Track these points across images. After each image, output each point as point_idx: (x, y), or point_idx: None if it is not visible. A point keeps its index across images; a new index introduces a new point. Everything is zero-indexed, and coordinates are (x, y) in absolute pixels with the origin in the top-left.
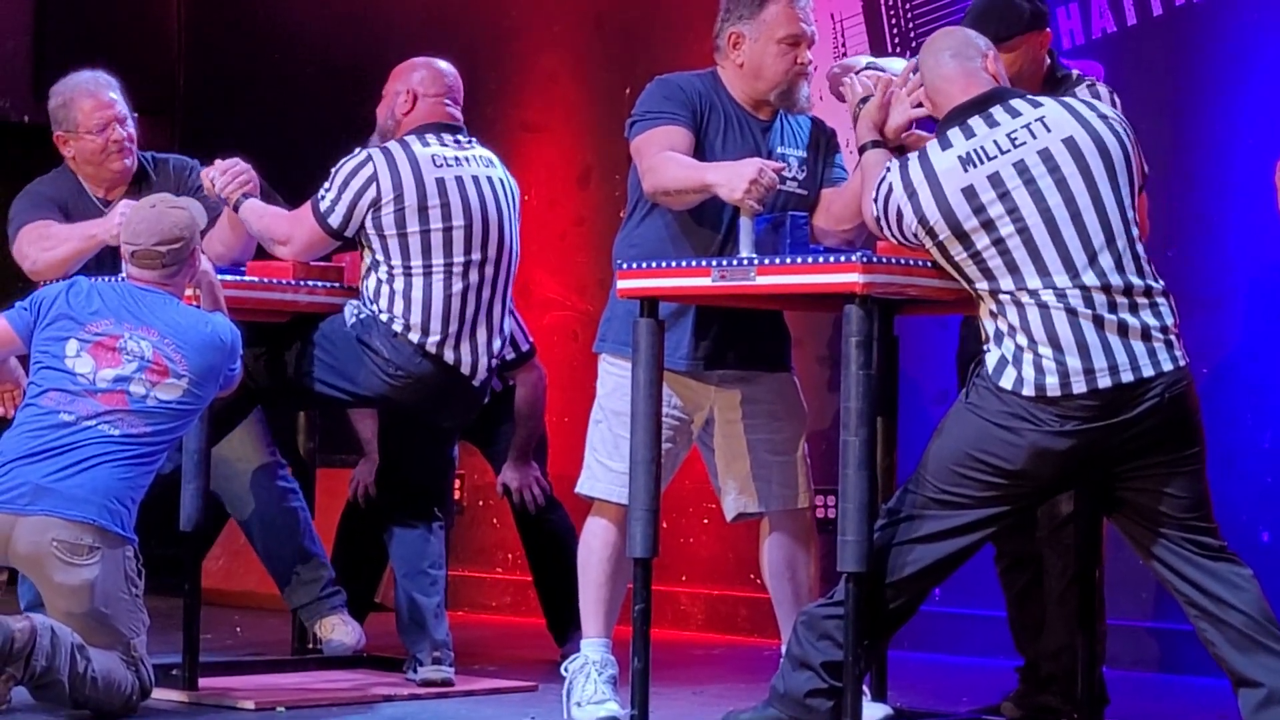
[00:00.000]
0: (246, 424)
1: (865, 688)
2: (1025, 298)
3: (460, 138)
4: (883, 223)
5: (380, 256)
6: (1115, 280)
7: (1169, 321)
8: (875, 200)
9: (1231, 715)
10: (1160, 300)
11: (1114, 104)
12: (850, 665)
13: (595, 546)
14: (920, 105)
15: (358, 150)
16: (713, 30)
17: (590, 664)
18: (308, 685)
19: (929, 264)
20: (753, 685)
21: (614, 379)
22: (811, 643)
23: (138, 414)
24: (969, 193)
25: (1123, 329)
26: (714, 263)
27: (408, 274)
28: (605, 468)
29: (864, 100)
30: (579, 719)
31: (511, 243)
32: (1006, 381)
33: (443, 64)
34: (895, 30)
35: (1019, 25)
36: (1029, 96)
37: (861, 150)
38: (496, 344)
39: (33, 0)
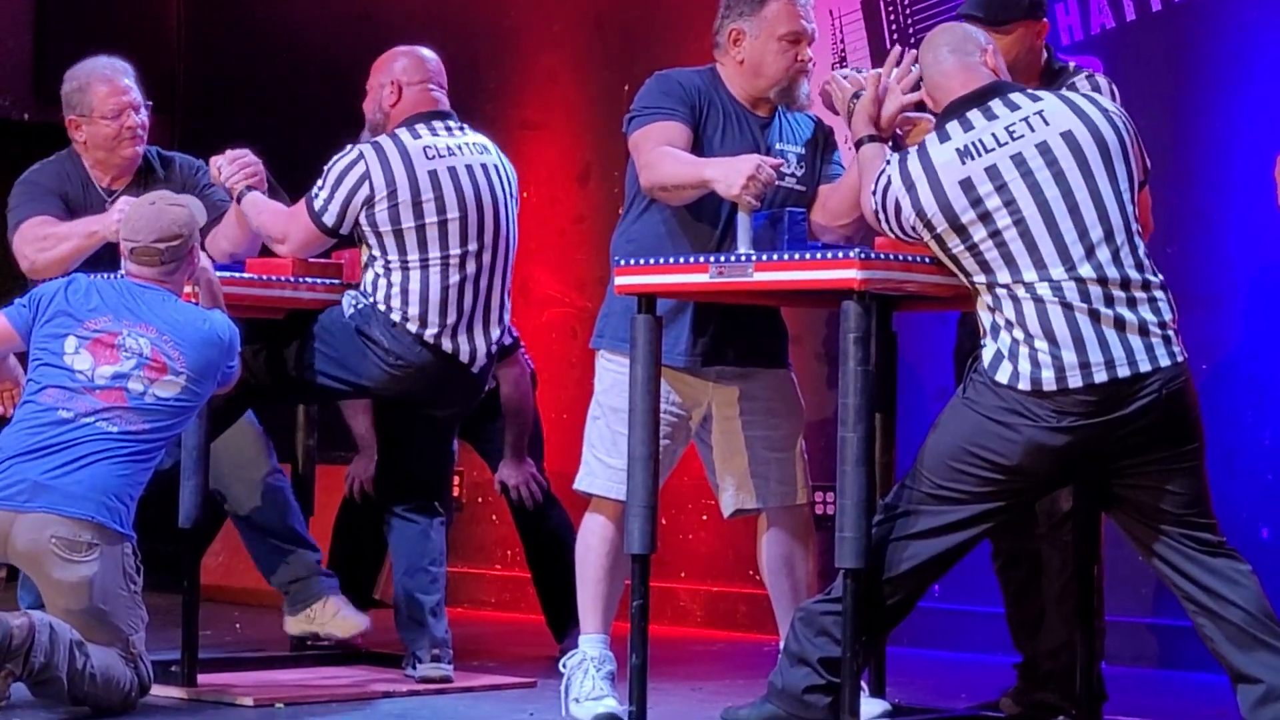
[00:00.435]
0: (248, 428)
1: (863, 684)
2: (1021, 291)
3: (451, 124)
4: (881, 216)
5: (377, 251)
6: (1112, 274)
7: (1167, 317)
8: (874, 194)
9: (1230, 711)
10: (1158, 295)
11: (1113, 95)
12: (848, 661)
13: (593, 543)
14: (914, 90)
15: (350, 147)
16: (712, 28)
17: (589, 660)
18: (307, 682)
19: (927, 260)
20: (751, 681)
21: (612, 375)
22: (809, 639)
23: (136, 411)
24: (966, 185)
25: (1119, 323)
26: (712, 259)
27: (405, 268)
28: (603, 464)
29: (856, 96)
30: (577, 715)
31: (508, 229)
32: (1003, 376)
33: (423, 50)
34: (894, 27)
35: (1017, 10)
36: (1028, 90)
37: (858, 145)
38: (495, 332)
39: None
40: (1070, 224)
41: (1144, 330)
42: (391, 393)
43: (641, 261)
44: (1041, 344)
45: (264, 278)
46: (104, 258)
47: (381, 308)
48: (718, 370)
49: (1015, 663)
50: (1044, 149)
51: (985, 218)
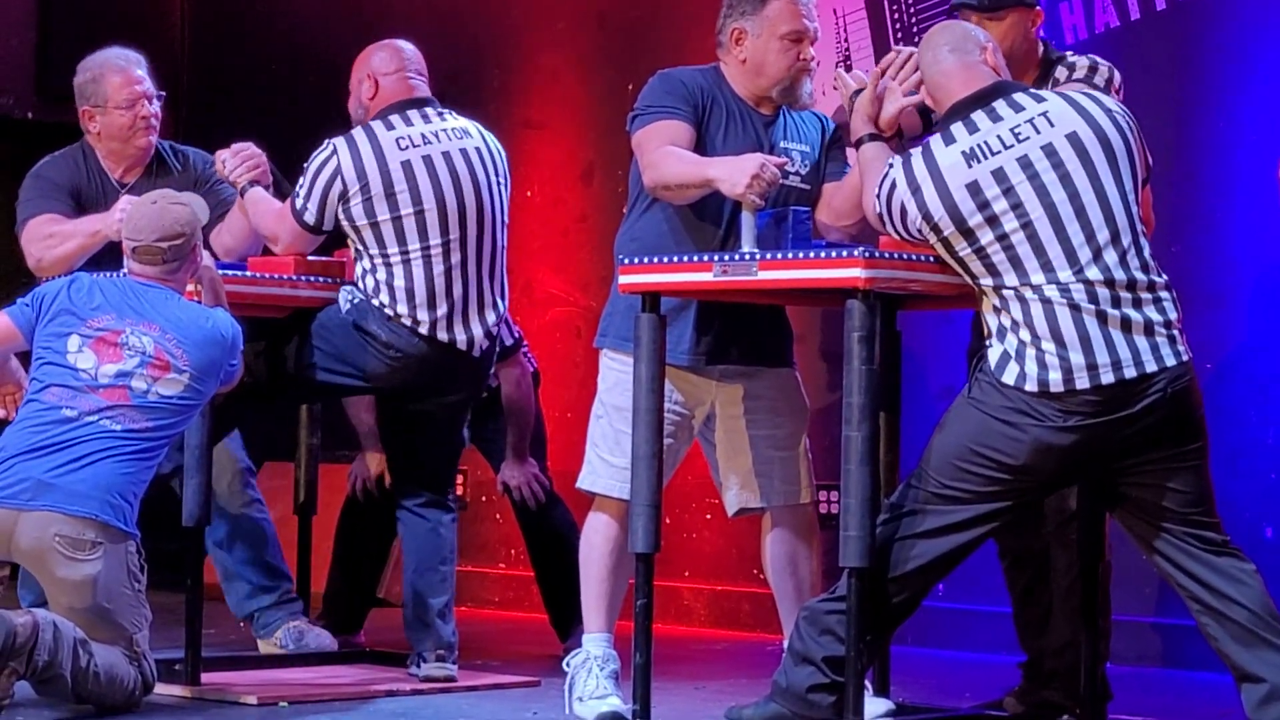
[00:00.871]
0: (228, 460)
1: (867, 683)
2: (1029, 293)
3: (429, 110)
4: (885, 218)
5: (360, 246)
6: (1119, 275)
7: (1172, 316)
8: (878, 196)
9: (1234, 711)
10: (1163, 295)
11: (1112, 79)
12: (852, 660)
13: (597, 542)
14: (913, 93)
15: (325, 142)
16: (714, 28)
17: (592, 659)
18: (310, 680)
19: (932, 259)
20: (755, 680)
21: (615, 374)
22: (813, 638)
23: (139, 409)
24: (973, 188)
25: (1126, 324)
26: (716, 258)
27: (387, 263)
28: (606, 463)
29: (856, 94)
30: (581, 714)
31: (494, 212)
32: (1009, 377)
33: (399, 41)
34: (898, 25)
35: None
36: (1031, 90)
37: (858, 144)
38: (492, 315)
39: None
40: (1077, 226)
41: (1149, 330)
42: (394, 385)
43: (645, 260)
44: (1049, 345)
45: (266, 276)
46: (106, 256)
47: (375, 302)
48: (721, 369)
49: (1020, 662)
50: (1050, 151)
51: (992, 221)
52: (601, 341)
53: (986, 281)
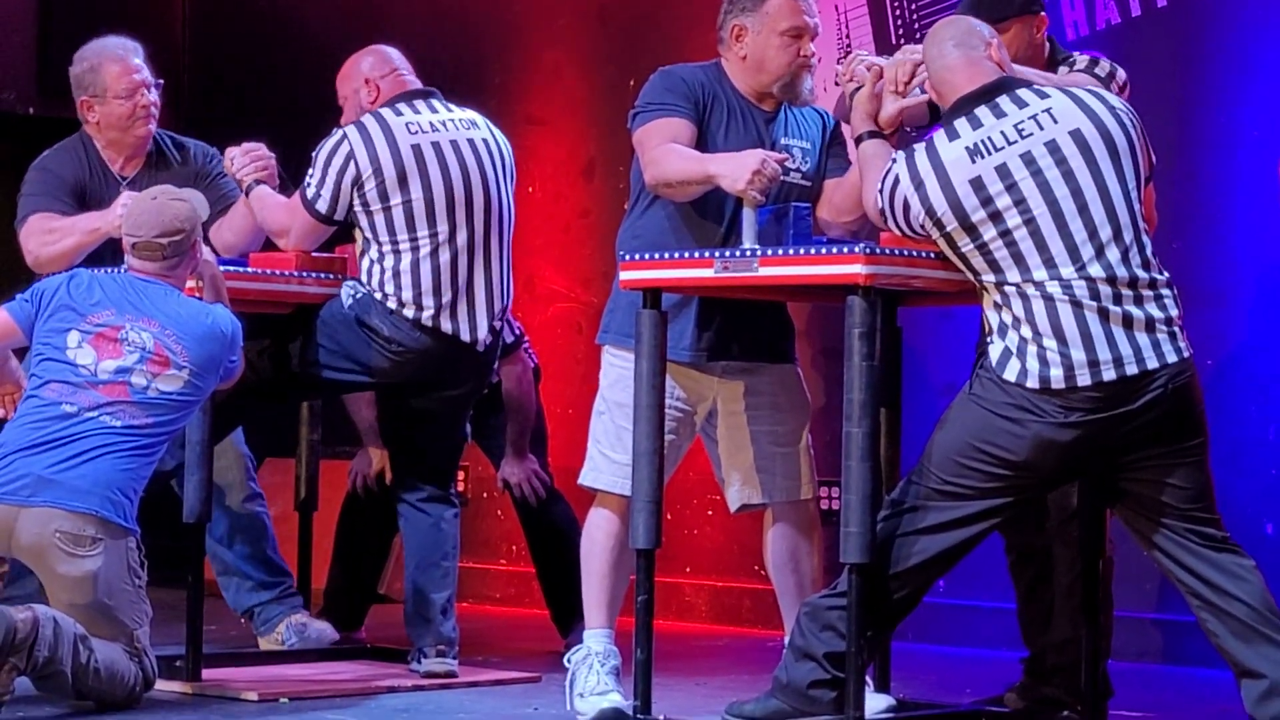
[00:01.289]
0: (232, 450)
1: (868, 679)
2: (1030, 289)
3: (435, 102)
4: (888, 214)
5: (370, 235)
6: (1121, 272)
7: (1173, 313)
8: (881, 192)
9: (1234, 707)
10: (1164, 292)
11: (1114, 74)
12: (853, 656)
13: (598, 538)
14: (910, 93)
15: (334, 130)
16: (715, 24)
17: (593, 655)
18: (310, 676)
19: (933, 255)
20: (756, 676)
21: (617, 370)
22: (814, 633)
23: (139, 405)
24: (977, 184)
25: (1127, 321)
26: (717, 254)
27: (396, 250)
28: (608, 459)
29: (856, 91)
30: (582, 710)
31: (500, 203)
32: (1010, 373)
33: (381, 46)
34: (899, 21)
35: (1010, 8)
36: (1035, 87)
37: (857, 141)
38: (498, 307)
39: None
40: (1080, 223)
41: (1151, 327)
42: (397, 379)
43: (646, 256)
44: (1050, 342)
45: (268, 272)
46: (107, 252)
47: (378, 295)
48: (723, 365)
49: (1022, 657)
50: (1053, 147)
51: (995, 217)
52: (603, 338)
53: (988, 278)
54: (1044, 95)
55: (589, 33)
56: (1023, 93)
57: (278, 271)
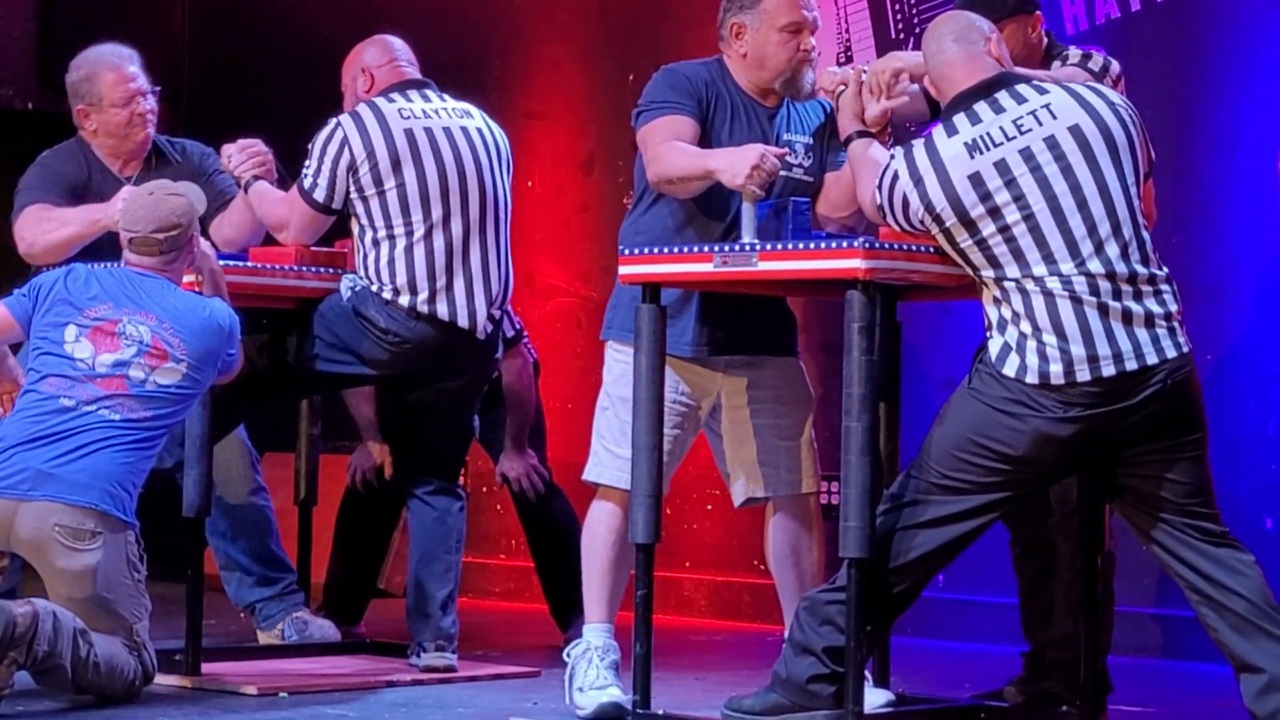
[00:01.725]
0: (236, 444)
1: (868, 673)
2: (1030, 285)
3: (429, 92)
4: (886, 210)
5: (365, 221)
6: (1120, 268)
7: (1172, 308)
8: (879, 188)
9: (1234, 701)
10: (1164, 287)
11: (1108, 67)
12: (852, 651)
13: (600, 532)
14: (893, 98)
15: (329, 120)
16: (715, 19)
17: (593, 649)
18: (310, 671)
19: (932, 249)
20: (755, 671)
21: (620, 366)
22: (814, 628)
23: (137, 398)
24: (975, 180)
25: (1127, 316)
26: (716, 248)
27: (390, 236)
28: (612, 454)
29: (842, 91)
30: (581, 704)
31: (495, 191)
32: (1010, 368)
33: (386, 36)
34: (899, 17)
35: (1003, 9)
36: (1034, 82)
37: (846, 141)
38: (496, 295)
39: None
40: (1079, 219)
41: (1150, 322)
42: (395, 371)
43: (645, 251)
44: (1049, 338)
45: (267, 266)
46: (104, 247)
47: (374, 286)
48: (726, 360)
49: (1022, 651)
50: (1052, 143)
51: (994, 212)
52: (607, 333)
53: (988, 273)
54: (1043, 91)
55: (589, 28)
56: (1022, 88)
57: (277, 266)
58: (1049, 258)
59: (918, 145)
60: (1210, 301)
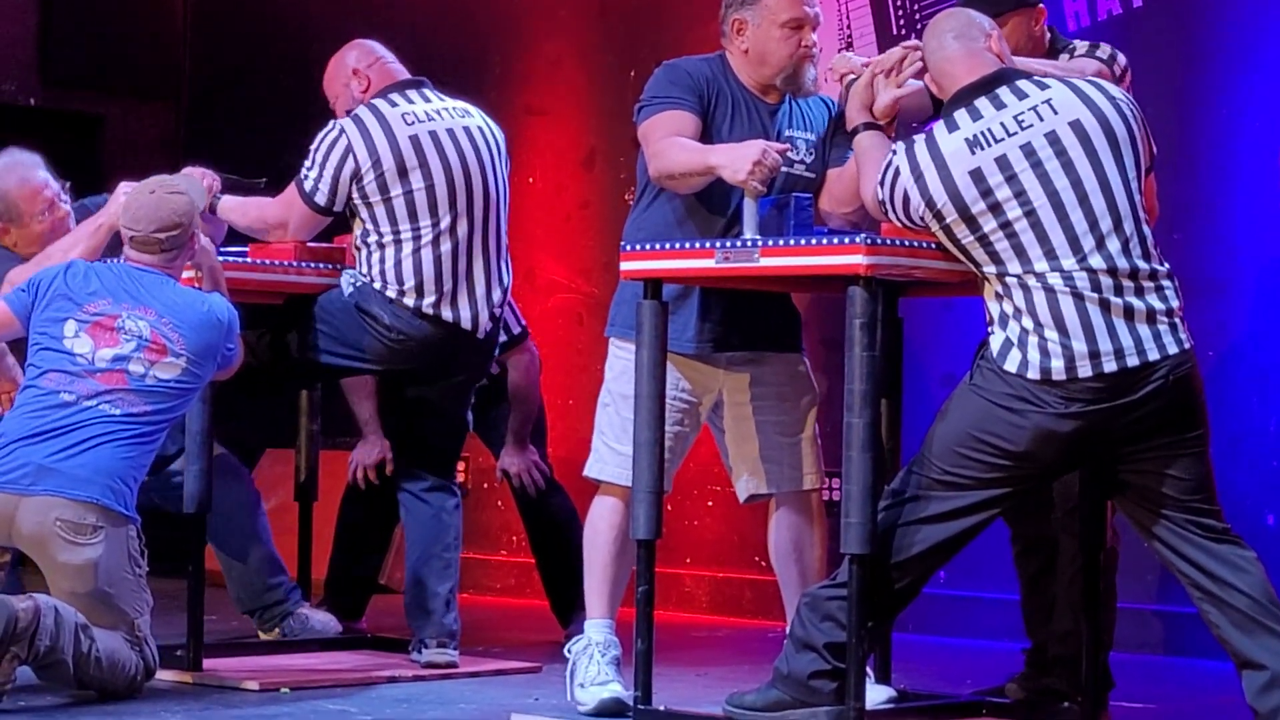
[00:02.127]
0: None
1: (869, 669)
2: (1032, 281)
3: (427, 91)
4: (888, 206)
5: (370, 225)
6: (1122, 263)
7: (1174, 304)
8: (881, 184)
9: (1235, 698)
10: (1165, 283)
11: (1115, 57)
12: (854, 647)
13: (601, 528)
14: (905, 84)
15: (331, 123)
16: (716, 14)
17: (594, 645)
18: (311, 666)
19: (934, 246)
20: (756, 667)
21: (622, 362)
22: (815, 624)
23: (137, 393)
24: (976, 175)
25: (1128, 312)
26: (718, 244)
27: (397, 240)
28: (613, 451)
29: (852, 82)
30: (583, 700)
31: (497, 190)
32: (1011, 364)
33: (361, 40)
34: (900, 13)
35: (1006, 3)
36: (1035, 78)
37: (853, 133)
38: (497, 294)
39: None
40: (1080, 214)
41: (1152, 318)
42: (397, 367)
43: (647, 247)
44: (1051, 333)
45: (266, 263)
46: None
47: (378, 285)
48: (728, 356)
49: (1024, 648)
50: (1053, 138)
51: (995, 208)
52: (610, 330)
53: (989, 269)
54: (1044, 86)
55: (589, 23)
56: (1022, 84)
57: (276, 262)
58: (1050, 253)
59: (919, 141)
60: (1211, 297)
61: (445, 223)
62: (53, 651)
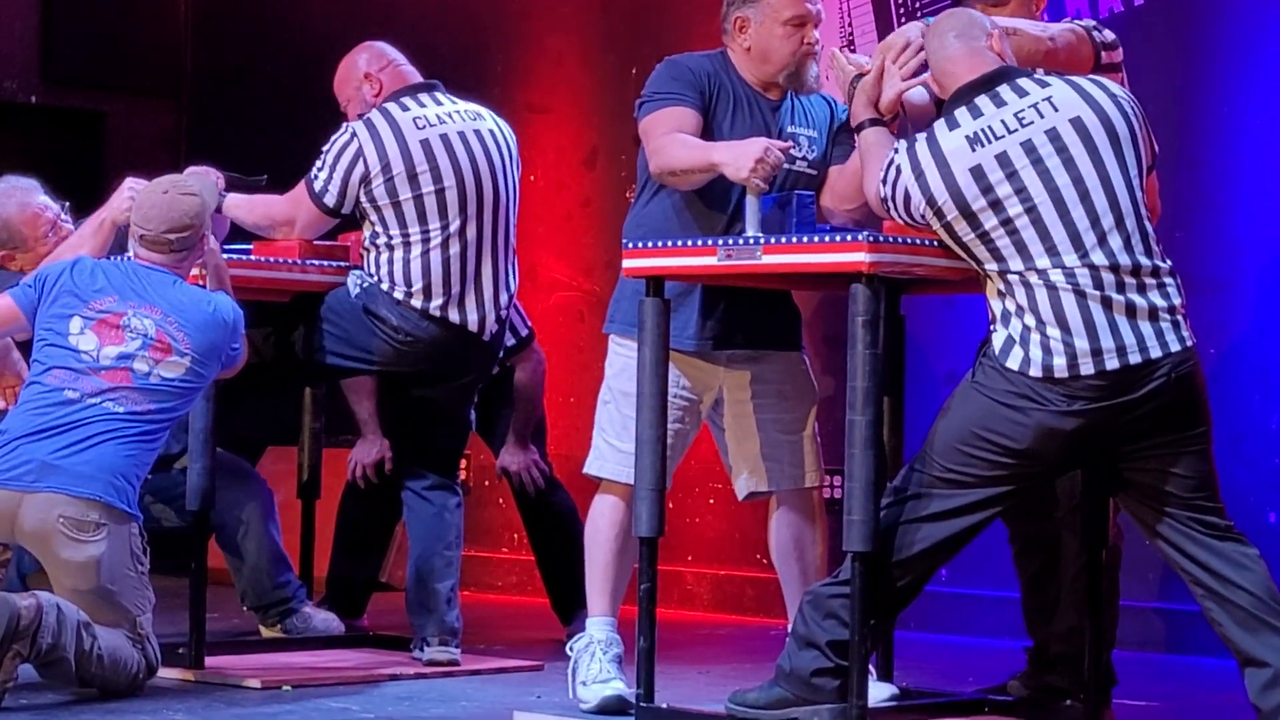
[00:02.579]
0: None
1: (871, 667)
2: (1034, 278)
3: (439, 94)
4: (889, 204)
5: (379, 228)
6: (1123, 260)
7: (1176, 301)
8: (883, 182)
9: (1238, 696)
10: (1167, 280)
11: (1098, 31)
12: (856, 644)
13: (602, 526)
14: (915, 75)
15: (344, 126)
16: (718, 12)
17: (596, 643)
18: (313, 664)
19: (936, 243)
20: (758, 665)
21: (622, 360)
22: (817, 622)
23: (141, 391)
24: (977, 173)
25: (1130, 310)
26: (720, 241)
27: (406, 243)
28: (613, 448)
29: (858, 78)
30: (585, 698)
31: (507, 194)
32: (1013, 362)
33: (372, 42)
34: (902, 10)
35: None
36: (1036, 75)
37: (859, 129)
38: (504, 297)
39: None
40: (1082, 211)
41: (1154, 316)
42: (403, 368)
43: (649, 244)
44: (1054, 331)
45: (271, 260)
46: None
47: (385, 286)
48: (729, 354)
49: (1026, 646)
50: (1053, 136)
51: (996, 205)
52: (609, 327)
53: (991, 266)
54: (1044, 84)
55: (591, 21)
56: (1023, 81)
57: (280, 259)
58: (1052, 250)
59: (919, 139)
60: (1213, 295)
61: (455, 226)
62: (55, 649)
